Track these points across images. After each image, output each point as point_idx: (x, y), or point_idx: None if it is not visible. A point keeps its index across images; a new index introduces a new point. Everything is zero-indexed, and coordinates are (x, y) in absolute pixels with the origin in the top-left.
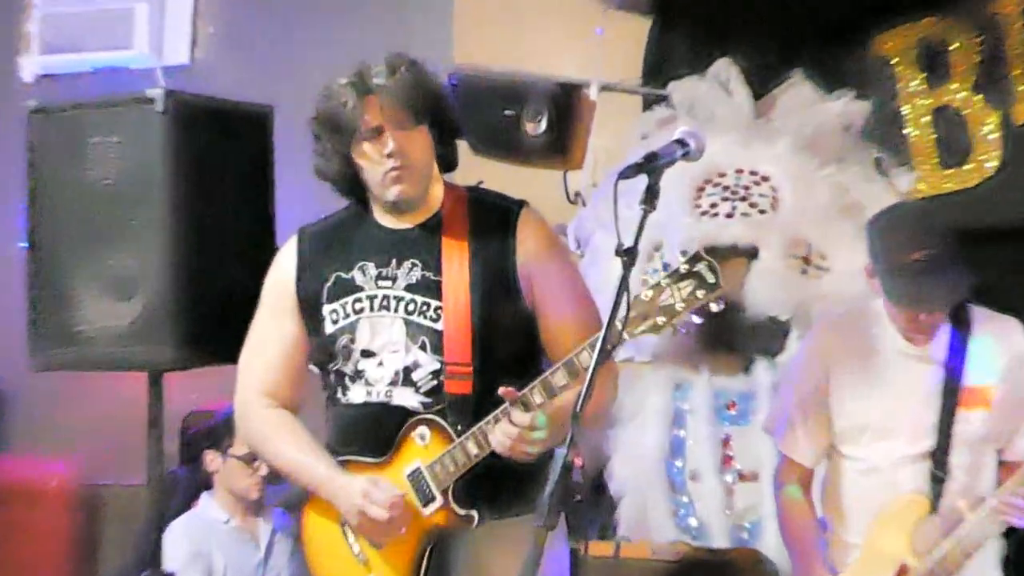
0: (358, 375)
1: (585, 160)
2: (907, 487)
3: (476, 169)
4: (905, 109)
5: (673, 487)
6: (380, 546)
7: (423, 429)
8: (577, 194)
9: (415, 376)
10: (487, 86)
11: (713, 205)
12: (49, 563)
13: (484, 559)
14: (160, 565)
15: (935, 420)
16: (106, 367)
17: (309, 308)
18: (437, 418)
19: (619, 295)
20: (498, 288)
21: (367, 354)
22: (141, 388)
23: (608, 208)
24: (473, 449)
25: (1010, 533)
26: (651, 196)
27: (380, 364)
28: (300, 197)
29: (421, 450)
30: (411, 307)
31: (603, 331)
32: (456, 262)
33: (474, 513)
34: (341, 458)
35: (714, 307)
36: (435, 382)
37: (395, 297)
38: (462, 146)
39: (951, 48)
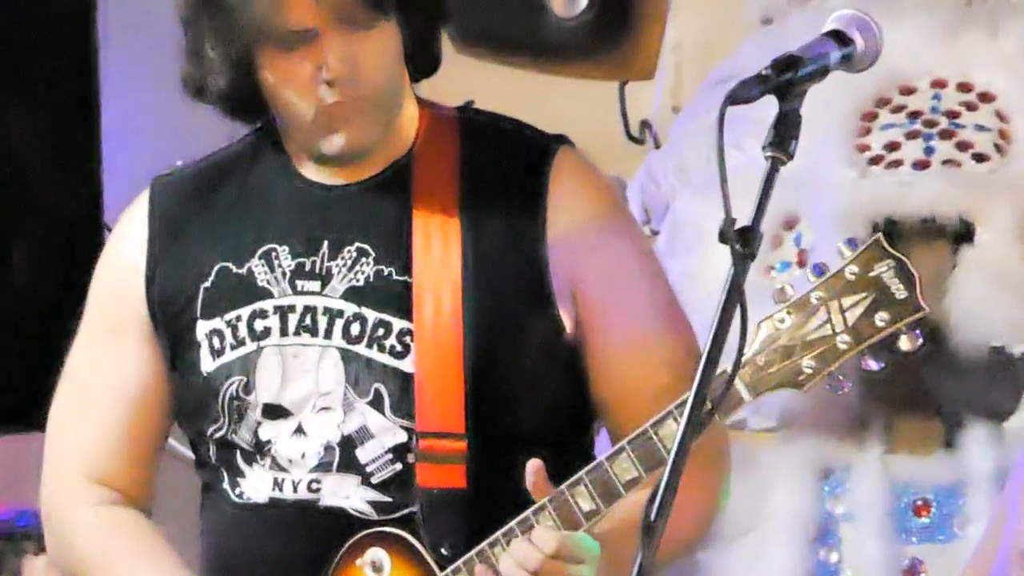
0: (259, 450)
1: (658, 64)
2: None
3: (463, 79)
4: None
5: None
6: None
7: (377, 554)
8: (644, 126)
9: (362, 455)
10: None
11: (892, 146)
12: None
13: None
14: None
15: None
16: None
17: (169, 326)
18: (403, 533)
19: (725, 312)
20: (514, 294)
21: (275, 412)
22: None
23: (704, 152)
24: None
25: None
26: (785, 135)
27: (299, 431)
28: (144, 126)
29: None
30: (355, 329)
31: (696, 382)
32: (438, 248)
33: None
34: None
35: (906, 344)
36: (398, 466)
37: (327, 310)
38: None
39: None
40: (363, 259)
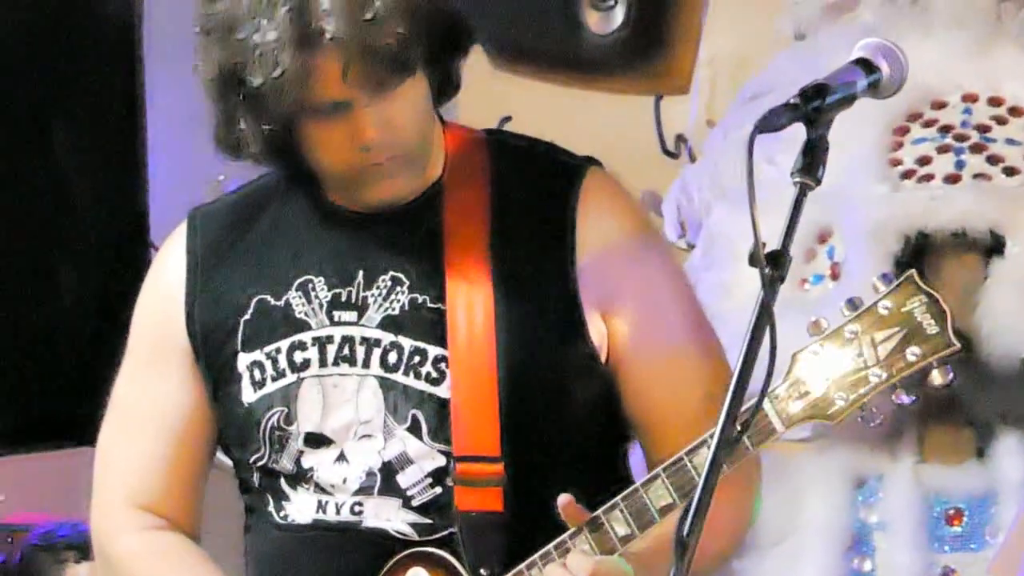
0: (302, 476)
1: (693, 78)
2: None
3: (498, 96)
4: None
5: None
6: None
7: (419, 573)
8: (680, 140)
9: (403, 479)
10: None
11: (923, 160)
12: None
13: None
14: None
15: None
16: None
17: (211, 358)
18: (444, 554)
19: (754, 338)
20: (545, 317)
21: (317, 441)
22: None
23: (738, 166)
24: None
25: None
26: (813, 161)
27: (341, 459)
28: (188, 144)
29: None
30: (392, 358)
31: (726, 405)
32: (470, 274)
33: None
34: None
35: (937, 378)
36: (437, 490)
37: (364, 340)
38: (476, 59)
39: None
40: (397, 288)
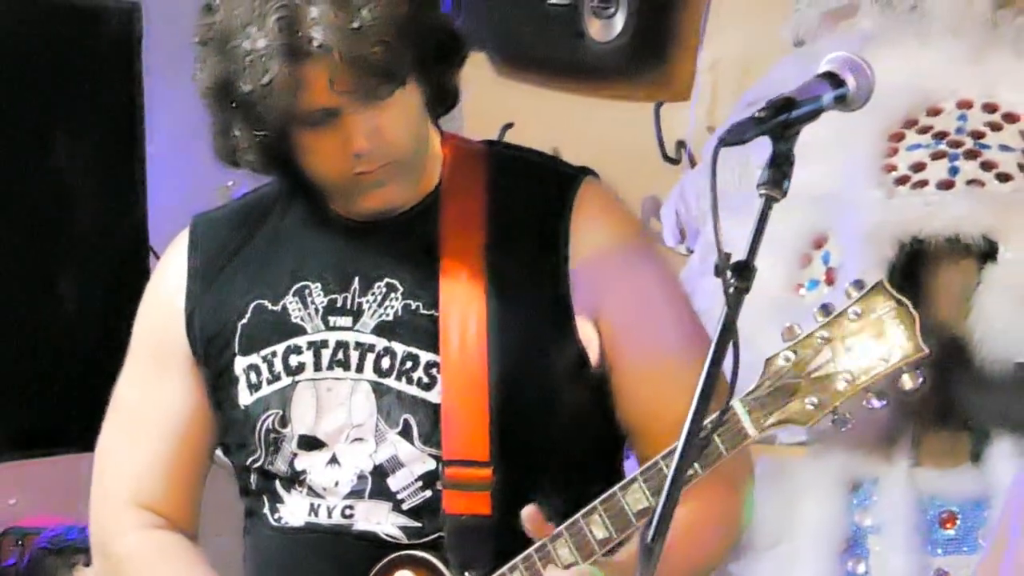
0: (295, 479)
1: (692, 85)
2: None
3: (502, 103)
4: None
5: None
6: None
7: (406, 575)
8: (680, 146)
9: (393, 483)
10: None
11: (918, 167)
12: None
13: None
14: None
15: None
16: None
17: (210, 363)
18: (430, 557)
19: (718, 348)
20: (538, 325)
21: (310, 444)
22: None
23: (736, 172)
24: None
25: None
26: (779, 175)
27: (333, 461)
28: (188, 154)
29: None
30: (386, 363)
31: (690, 414)
32: (464, 282)
33: None
34: None
35: (908, 383)
36: (427, 494)
37: (358, 345)
38: (480, 67)
39: None
40: (392, 294)
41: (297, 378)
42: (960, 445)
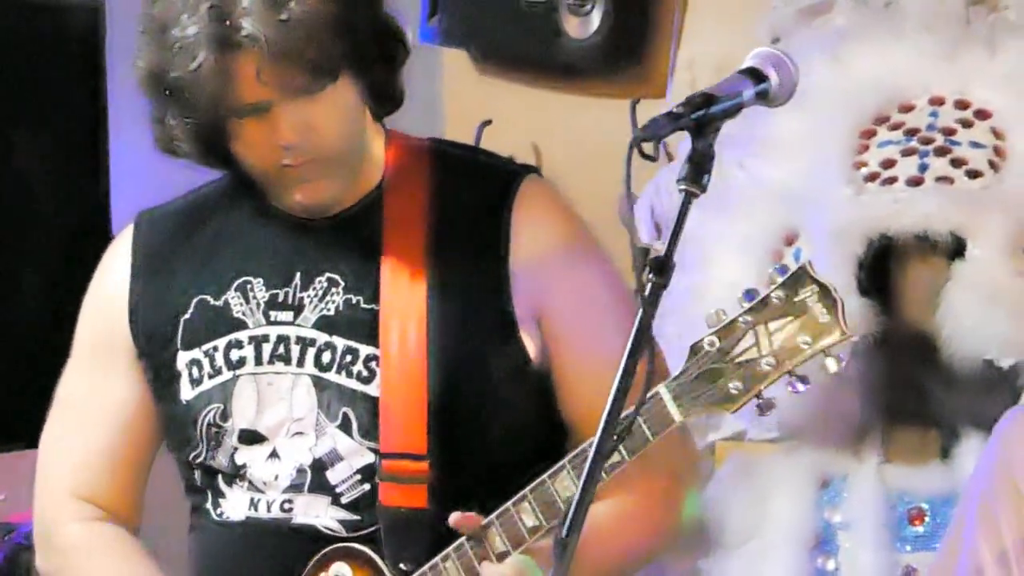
0: (236, 473)
1: (669, 82)
2: None
3: (481, 101)
4: None
5: None
6: None
7: (341, 569)
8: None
9: (332, 476)
10: None
11: (888, 164)
12: None
13: None
14: None
15: None
16: None
17: (153, 358)
18: (365, 549)
19: (636, 339)
20: (477, 321)
21: (251, 438)
22: None
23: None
24: None
25: None
26: (699, 170)
27: (273, 456)
28: (151, 147)
29: None
30: (327, 357)
31: (609, 402)
32: (405, 277)
33: None
34: None
35: (832, 366)
36: (366, 487)
37: (299, 339)
38: (460, 62)
39: None
40: (333, 289)
41: (238, 372)
42: (929, 442)
